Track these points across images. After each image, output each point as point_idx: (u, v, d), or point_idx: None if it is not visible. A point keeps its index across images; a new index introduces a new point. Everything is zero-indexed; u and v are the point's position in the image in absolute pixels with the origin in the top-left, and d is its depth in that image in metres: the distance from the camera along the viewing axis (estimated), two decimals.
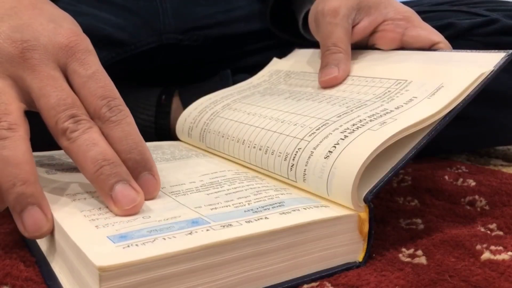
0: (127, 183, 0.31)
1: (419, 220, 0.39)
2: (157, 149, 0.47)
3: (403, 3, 0.51)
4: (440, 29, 0.47)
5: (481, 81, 0.36)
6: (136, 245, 0.26)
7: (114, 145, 0.32)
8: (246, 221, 0.29)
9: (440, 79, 0.38)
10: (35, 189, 0.30)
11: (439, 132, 0.34)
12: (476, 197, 0.44)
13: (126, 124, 0.32)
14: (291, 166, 0.35)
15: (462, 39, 0.55)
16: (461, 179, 0.50)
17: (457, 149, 0.63)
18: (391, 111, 0.36)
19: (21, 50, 0.32)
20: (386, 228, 0.38)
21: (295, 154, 0.35)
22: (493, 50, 0.39)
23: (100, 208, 0.31)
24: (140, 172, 0.32)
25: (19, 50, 0.32)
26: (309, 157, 0.34)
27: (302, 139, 0.36)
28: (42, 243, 0.32)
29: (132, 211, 0.30)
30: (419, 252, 0.34)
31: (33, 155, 0.31)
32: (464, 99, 0.35)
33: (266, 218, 0.30)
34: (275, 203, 0.32)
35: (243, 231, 0.28)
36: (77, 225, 0.29)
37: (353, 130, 0.34)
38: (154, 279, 0.25)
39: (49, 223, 0.30)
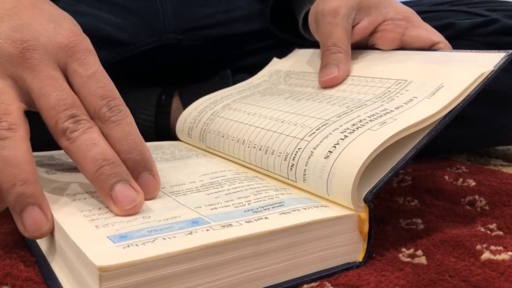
0: (127, 183, 0.31)
1: (419, 220, 0.39)
2: (157, 149, 0.47)
3: (403, 3, 0.51)
4: (440, 29, 0.47)
5: (481, 81, 0.36)
6: (136, 245, 0.26)
7: (114, 145, 0.32)
8: (246, 221, 0.29)
9: (440, 79, 0.38)
10: (35, 189, 0.30)
11: (439, 132, 0.34)
12: (476, 197, 0.44)
13: (126, 124, 0.32)
14: (291, 166, 0.35)
15: (462, 39, 0.55)
16: (461, 179, 0.50)
17: (457, 149, 0.63)
18: (391, 111, 0.36)
19: (21, 50, 0.32)
20: (386, 228, 0.38)
21: (295, 154, 0.35)
22: (493, 50, 0.39)
23: (100, 208, 0.31)
24: (140, 172, 0.32)
25: (19, 50, 0.32)
26: (309, 157, 0.34)
27: (302, 139, 0.36)
28: (42, 243, 0.32)
29: (132, 211, 0.30)
30: (419, 252, 0.34)
31: (33, 155, 0.31)
32: (464, 99, 0.35)
33: (266, 218, 0.30)
34: (275, 203, 0.32)
35: (243, 231, 0.28)
36: (77, 225, 0.29)
37: (353, 130, 0.34)
38: (154, 279, 0.25)
39: (49, 223, 0.30)
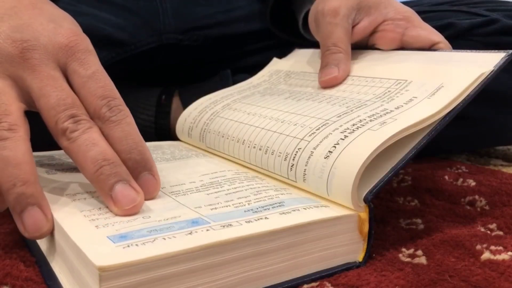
0: (127, 183, 0.31)
1: (419, 220, 0.39)
2: (157, 149, 0.47)
3: (403, 3, 0.51)
4: (440, 29, 0.47)
5: (481, 81, 0.36)
6: (136, 245, 0.26)
7: (114, 145, 0.32)
8: (246, 221, 0.29)
9: (440, 79, 0.38)
10: (35, 190, 0.30)
11: (439, 132, 0.34)
12: (476, 197, 0.44)
13: (126, 124, 0.32)
14: (291, 166, 0.35)
15: (462, 39, 0.55)
16: (461, 179, 0.50)
17: (457, 149, 0.63)
18: (391, 111, 0.36)
19: (21, 50, 0.32)
20: (386, 228, 0.38)
21: (295, 154, 0.35)
22: (493, 50, 0.39)
23: (100, 208, 0.31)
24: (140, 172, 0.32)
25: (19, 50, 0.32)
26: (309, 157, 0.34)
27: (302, 139, 0.36)
28: (42, 243, 0.32)
29: (132, 211, 0.30)
30: (419, 252, 0.34)
31: (33, 155, 0.31)
32: (464, 99, 0.35)
33: (266, 218, 0.30)
34: (275, 203, 0.32)
35: (243, 231, 0.28)
36: (77, 225, 0.29)
37: (353, 130, 0.34)
38: (154, 279, 0.25)
39: (49, 224, 0.30)
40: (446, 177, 0.51)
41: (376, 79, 0.43)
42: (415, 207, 0.43)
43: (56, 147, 0.32)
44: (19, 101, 0.32)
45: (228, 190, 0.35)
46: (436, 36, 0.45)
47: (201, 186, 0.36)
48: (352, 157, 0.32)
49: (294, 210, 0.31)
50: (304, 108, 0.41)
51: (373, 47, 0.49)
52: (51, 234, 0.30)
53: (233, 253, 0.27)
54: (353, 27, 0.48)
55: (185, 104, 0.58)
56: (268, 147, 0.38)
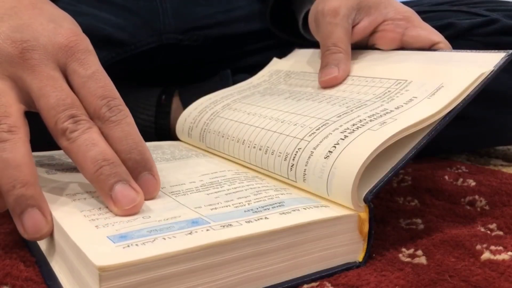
0: (126, 183, 0.31)
1: (419, 220, 0.39)
2: (157, 149, 0.47)
3: (403, 3, 0.51)
4: (440, 29, 0.47)
5: (481, 81, 0.36)
6: (136, 245, 0.26)
7: (114, 145, 0.32)
8: (246, 221, 0.29)
9: (440, 79, 0.38)
10: (35, 191, 0.30)
11: (439, 132, 0.34)
12: (476, 197, 0.44)
13: (126, 124, 0.32)
14: (291, 166, 0.35)
15: (462, 39, 0.55)
16: (461, 179, 0.50)
17: (457, 149, 0.63)
18: (391, 111, 0.36)
19: (21, 51, 0.32)
20: (386, 228, 0.38)
21: (295, 154, 0.35)
22: (493, 50, 0.39)
23: (100, 208, 0.31)
24: (140, 172, 0.32)
25: (18, 50, 0.32)
26: (309, 157, 0.34)
27: (302, 139, 0.36)
28: (42, 243, 0.32)
29: (132, 211, 0.30)
30: (419, 252, 0.34)
31: (33, 155, 0.31)
32: (464, 99, 0.35)
33: (266, 218, 0.30)
34: (275, 203, 0.32)
35: (243, 231, 0.28)
36: (77, 225, 0.29)
37: (353, 130, 0.34)
38: (154, 279, 0.25)
39: (48, 225, 0.30)
40: (446, 177, 0.51)
41: (376, 79, 0.43)
42: (415, 207, 0.43)
43: (56, 147, 0.32)
44: (18, 102, 0.32)
45: (228, 190, 0.35)
46: (436, 36, 0.45)
47: (201, 186, 0.36)
48: (352, 157, 0.32)
49: (294, 210, 0.31)
50: (304, 108, 0.41)
51: (373, 47, 0.49)
52: (51, 234, 0.30)
53: (233, 253, 0.27)
54: (353, 27, 0.48)
55: (185, 104, 0.58)
56: (268, 147, 0.38)
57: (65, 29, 0.34)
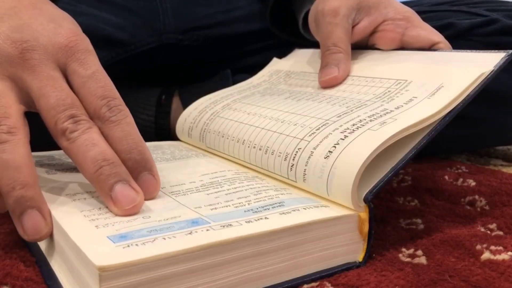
0: (126, 183, 0.31)
1: (419, 220, 0.39)
2: (157, 149, 0.47)
3: (403, 3, 0.51)
4: (440, 29, 0.47)
5: (481, 81, 0.36)
6: (136, 245, 0.26)
7: (114, 145, 0.32)
8: (246, 221, 0.29)
9: (440, 79, 0.38)
10: (35, 192, 0.30)
11: (439, 132, 0.34)
12: (476, 197, 0.44)
13: (126, 124, 0.32)
14: (291, 166, 0.35)
15: (462, 39, 0.55)
16: (461, 179, 0.50)
17: (457, 149, 0.63)
18: (391, 111, 0.36)
19: (21, 51, 0.32)
20: (386, 228, 0.38)
21: (295, 154, 0.35)
22: (493, 50, 0.39)
23: (100, 208, 0.31)
24: (140, 172, 0.32)
25: (18, 50, 0.32)
26: (309, 157, 0.34)
27: (302, 139, 0.36)
28: (42, 243, 0.32)
29: (132, 211, 0.30)
30: (419, 252, 0.34)
31: (33, 155, 0.31)
32: (464, 99, 0.35)
33: (266, 218, 0.30)
34: (275, 203, 0.32)
35: (243, 231, 0.28)
36: (77, 225, 0.29)
37: (353, 130, 0.34)
38: (154, 279, 0.25)
39: (48, 227, 0.30)
40: (446, 177, 0.51)
41: (376, 79, 0.43)
42: (415, 207, 0.43)
43: (56, 147, 0.32)
44: (18, 102, 0.32)
45: (228, 190, 0.35)
46: (436, 36, 0.45)
47: (201, 186, 0.36)
48: (352, 157, 0.32)
49: (294, 210, 0.31)
50: (304, 108, 0.41)
51: (373, 47, 0.49)
52: (50, 235, 0.30)
53: (233, 253, 0.27)
54: (353, 27, 0.48)
55: (185, 104, 0.58)
56: (268, 147, 0.38)
57: (65, 29, 0.34)
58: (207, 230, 0.28)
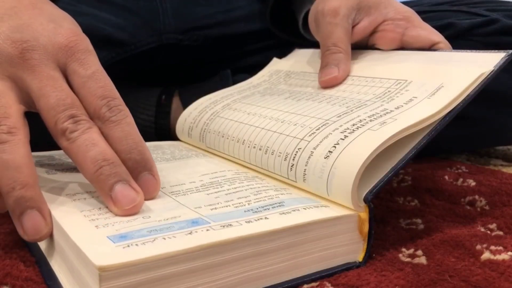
0: (126, 183, 0.31)
1: (419, 220, 0.39)
2: (157, 149, 0.47)
3: (403, 3, 0.51)
4: (440, 29, 0.47)
5: (481, 81, 0.36)
6: (136, 245, 0.26)
7: (114, 145, 0.32)
8: (246, 221, 0.29)
9: (440, 79, 0.38)
10: (34, 193, 0.30)
11: (439, 132, 0.34)
12: (476, 197, 0.44)
13: (126, 124, 0.32)
14: (291, 166, 0.35)
15: (462, 39, 0.55)
16: (461, 179, 0.50)
17: (457, 149, 0.63)
18: (391, 111, 0.36)
19: (21, 51, 0.32)
20: (386, 228, 0.38)
21: (295, 154, 0.35)
22: (493, 50, 0.39)
23: (100, 208, 0.31)
24: (140, 172, 0.32)
25: (18, 50, 0.32)
26: (309, 157, 0.34)
27: (302, 139, 0.36)
28: (42, 243, 0.32)
29: (132, 211, 0.30)
30: (419, 252, 0.34)
31: (33, 155, 0.31)
32: (464, 99, 0.35)
33: (266, 218, 0.30)
34: (275, 203, 0.32)
35: (243, 231, 0.28)
36: (77, 225, 0.29)
37: (353, 130, 0.34)
38: (154, 279, 0.25)
39: (48, 227, 0.30)
40: (446, 177, 0.51)
41: (376, 79, 0.43)
42: (415, 207, 0.43)
43: (56, 147, 0.32)
44: (18, 103, 0.32)
45: (228, 190, 0.35)
46: (436, 36, 0.45)
47: (201, 186, 0.36)
48: (352, 157, 0.32)
49: (294, 210, 0.31)
50: (304, 108, 0.41)
51: (373, 47, 0.49)
52: (50, 235, 0.30)
53: (233, 253, 0.27)
54: (353, 27, 0.48)
55: (185, 104, 0.58)
56: (268, 147, 0.38)
57: (65, 29, 0.34)
58: (207, 230, 0.28)
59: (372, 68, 0.45)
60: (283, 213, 0.31)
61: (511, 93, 0.55)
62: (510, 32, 0.55)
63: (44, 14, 0.35)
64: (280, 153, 0.37)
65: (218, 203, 0.32)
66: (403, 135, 0.33)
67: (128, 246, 0.26)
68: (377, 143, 0.32)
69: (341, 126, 0.36)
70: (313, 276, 0.30)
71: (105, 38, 0.58)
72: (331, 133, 0.35)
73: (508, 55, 0.37)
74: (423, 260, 0.33)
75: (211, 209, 0.31)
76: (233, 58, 0.66)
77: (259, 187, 0.35)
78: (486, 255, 0.33)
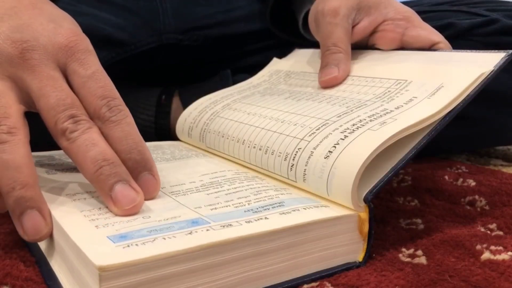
0: (126, 183, 0.31)
1: (419, 220, 0.39)
2: (157, 149, 0.47)
3: (403, 3, 0.51)
4: (440, 29, 0.47)
5: (481, 81, 0.36)
6: (136, 245, 0.26)
7: (114, 145, 0.32)
8: (246, 221, 0.29)
9: (440, 79, 0.38)
10: (34, 193, 0.30)
11: (439, 132, 0.34)
12: (476, 197, 0.44)
13: (126, 124, 0.32)
14: (291, 166, 0.35)
15: (462, 39, 0.55)
16: (461, 179, 0.50)
17: (457, 149, 0.63)
18: (391, 111, 0.36)
19: (21, 51, 0.32)
20: (386, 228, 0.38)
21: (295, 154, 0.35)
22: (493, 50, 0.39)
23: (100, 208, 0.31)
24: (140, 172, 0.32)
25: (18, 50, 0.32)
26: (309, 157, 0.34)
27: (302, 139, 0.36)
28: (42, 243, 0.32)
29: (132, 211, 0.30)
30: (419, 252, 0.34)
31: (33, 155, 0.31)
32: (464, 99, 0.35)
33: (266, 218, 0.30)
34: (275, 203, 0.32)
35: (243, 231, 0.28)
36: (77, 225, 0.29)
37: (353, 130, 0.34)
38: (154, 279, 0.25)
39: (48, 227, 0.30)
40: (446, 177, 0.51)
41: (376, 79, 0.43)
42: (415, 207, 0.43)
43: (56, 147, 0.32)
44: (18, 103, 0.32)
45: (228, 190, 0.35)
46: (436, 36, 0.45)
47: (201, 186, 0.36)
48: (352, 157, 0.32)
49: (294, 210, 0.31)
50: (304, 108, 0.41)
51: (373, 47, 0.49)
52: (50, 235, 0.30)
53: (233, 253, 0.27)
54: (353, 27, 0.48)
55: (185, 104, 0.58)
56: (268, 147, 0.38)
57: (65, 29, 0.34)
58: (207, 230, 0.28)
59: (372, 68, 0.45)
60: (283, 213, 0.31)
61: (511, 93, 0.55)
62: (510, 32, 0.55)
63: (44, 14, 0.35)
64: (280, 153, 0.37)
65: (218, 203, 0.32)
66: (403, 135, 0.33)
67: (128, 246, 0.26)
68: (377, 143, 0.32)
69: (341, 126, 0.36)
70: (313, 276, 0.30)
71: (105, 38, 0.58)
72: (331, 133, 0.35)
73: (508, 55, 0.37)
74: (423, 260, 0.33)
75: (211, 209, 0.31)
76: (233, 58, 0.66)
77: (259, 187, 0.35)
78: (486, 255, 0.33)
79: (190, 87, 0.62)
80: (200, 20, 0.62)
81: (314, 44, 0.52)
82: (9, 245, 0.34)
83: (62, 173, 0.38)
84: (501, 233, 0.37)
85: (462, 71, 0.38)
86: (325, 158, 0.33)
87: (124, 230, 0.28)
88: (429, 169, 0.54)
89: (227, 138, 0.43)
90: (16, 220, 0.30)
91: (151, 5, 0.61)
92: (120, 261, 0.24)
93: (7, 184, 0.29)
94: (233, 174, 0.39)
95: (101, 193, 0.31)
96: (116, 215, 0.30)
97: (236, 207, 0.31)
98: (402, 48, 0.47)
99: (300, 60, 0.55)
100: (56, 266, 0.30)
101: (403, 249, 0.34)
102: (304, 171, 0.34)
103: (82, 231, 0.28)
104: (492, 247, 0.34)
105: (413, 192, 0.47)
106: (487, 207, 0.43)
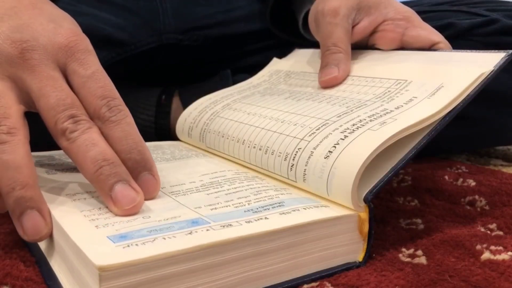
0: (126, 183, 0.31)
1: (419, 220, 0.39)
2: (157, 149, 0.47)
3: (403, 3, 0.51)
4: (440, 29, 0.47)
5: (481, 81, 0.36)
6: (136, 245, 0.26)
7: (113, 145, 0.32)
8: (246, 221, 0.29)
9: (440, 79, 0.38)
10: (34, 193, 0.30)
11: (439, 132, 0.34)
12: (476, 197, 0.44)
13: (126, 124, 0.32)
14: (291, 166, 0.35)
15: (462, 39, 0.55)
16: (461, 179, 0.50)
17: (457, 149, 0.63)
18: (391, 111, 0.36)
19: (21, 51, 0.32)
20: (386, 228, 0.38)
21: (295, 154, 0.35)
22: (493, 50, 0.39)
23: (100, 208, 0.31)
24: (140, 172, 0.32)
25: (18, 50, 0.32)
26: (309, 157, 0.34)
27: (302, 139, 0.36)
28: (42, 243, 0.32)
29: (132, 211, 0.30)
30: (419, 252, 0.34)
31: (33, 155, 0.31)
32: (464, 99, 0.35)
33: (266, 218, 0.30)
34: (275, 203, 0.32)
35: (243, 231, 0.28)
36: (77, 225, 0.29)
37: (353, 130, 0.34)
38: (154, 279, 0.25)
39: (47, 227, 0.30)
40: (446, 177, 0.51)
41: (376, 79, 0.43)
42: (415, 207, 0.43)
43: (56, 147, 0.32)
44: (18, 103, 0.32)
45: (228, 190, 0.35)
46: (436, 36, 0.45)
47: (201, 186, 0.36)
48: (352, 157, 0.32)
49: (294, 210, 0.31)
50: (304, 108, 0.41)
51: (373, 47, 0.49)
52: (50, 235, 0.30)
53: (233, 253, 0.27)
54: (353, 27, 0.48)
55: (185, 104, 0.58)
56: (268, 147, 0.38)
57: (65, 29, 0.34)
58: (207, 230, 0.28)
59: (372, 68, 0.45)
60: (283, 213, 0.31)
61: (511, 93, 0.55)
62: (510, 32, 0.55)
63: (44, 14, 0.35)
64: (280, 153, 0.37)
65: (218, 203, 0.32)
66: (403, 135, 0.33)
67: (128, 246, 0.26)
68: (377, 143, 0.32)
69: (341, 126, 0.36)
70: (313, 276, 0.30)
71: (105, 38, 0.58)
72: (331, 133, 0.35)
73: (508, 55, 0.37)
74: (423, 260, 0.33)
75: (211, 209, 0.31)
76: (233, 58, 0.66)
77: (259, 187, 0.35)
78: (486, 255, 0.33)
79: (190, 87, 0.62)
80: (200, 20, 0.62)
81: (314, 44, 0.52)
82: (9, 245, 0.34)
83: (62, 173, 0.38)
84: (501, 233, 0.37)
85: (462, 71, 0.38)
86: (325, 158, 0.33)
87: (124, 230, 0.28)
88: (429, 169, 0.54)
89: (227, 138, 0.43)
90: (16, 220, 0.30)
91: (151, 5, 0.61)
92: (120, 261, 0.24)
93: (7, 184, 0.29)
94: (233, 174, 0.39)
95: (101, 193, 0.31)
96: (116, 215, 0.30)
97: (236, 207, 0.31)
98: (402, 48, 0.47)
99: (300, 60, 0.55)
100: (56, 266, 0.30)
101: (403, 249, 0.34)
102: (304, 171, 0.34)
103: (82, 231, 0.28)
104: (492, 247, 0.34)
105: (413, 192, 0.47)
106: (487, 207, 0.43)
